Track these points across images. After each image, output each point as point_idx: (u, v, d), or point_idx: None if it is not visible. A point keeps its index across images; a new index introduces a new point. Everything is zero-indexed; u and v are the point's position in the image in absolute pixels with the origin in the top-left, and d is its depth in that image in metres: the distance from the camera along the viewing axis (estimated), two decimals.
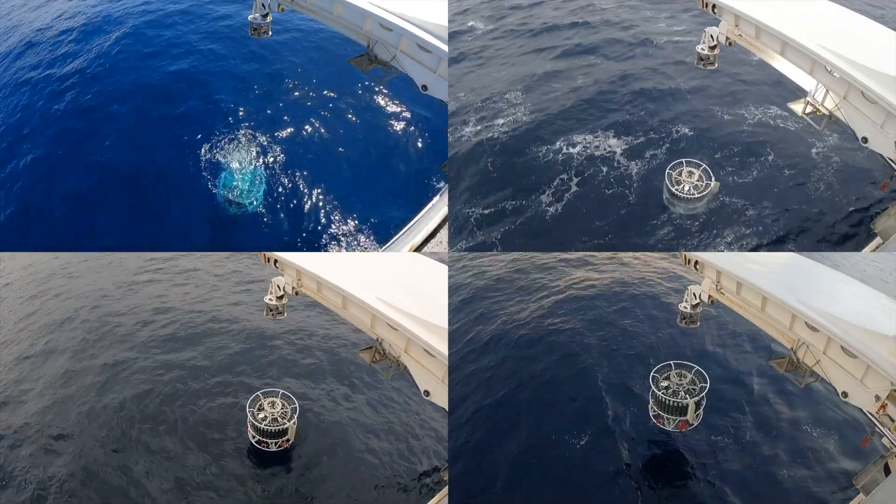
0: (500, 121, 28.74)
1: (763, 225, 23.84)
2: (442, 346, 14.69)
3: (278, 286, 18.11)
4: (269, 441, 21.29)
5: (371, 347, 16.53)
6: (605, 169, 26.17)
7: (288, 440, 21.50)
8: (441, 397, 15.18)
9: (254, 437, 21.49)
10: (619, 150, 26.75)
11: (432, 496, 19.32)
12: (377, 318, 15.75)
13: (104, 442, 22.27)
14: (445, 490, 17.85)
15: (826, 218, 23.59)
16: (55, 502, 20.07)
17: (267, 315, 18.51)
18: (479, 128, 28.54)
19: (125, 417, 23.26)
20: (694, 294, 20.10)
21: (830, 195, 24.19)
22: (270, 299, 18.34)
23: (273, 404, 21.90)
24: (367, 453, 22.49)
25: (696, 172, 22.43)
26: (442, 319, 15.11)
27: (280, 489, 21.04)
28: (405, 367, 15.76)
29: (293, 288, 17.86)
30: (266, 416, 21.49)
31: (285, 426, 21.30)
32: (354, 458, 22.24)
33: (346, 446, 22.69)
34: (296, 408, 21.90)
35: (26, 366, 26.37)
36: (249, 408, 21.68)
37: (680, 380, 21.14)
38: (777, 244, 23.22)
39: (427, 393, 15.27)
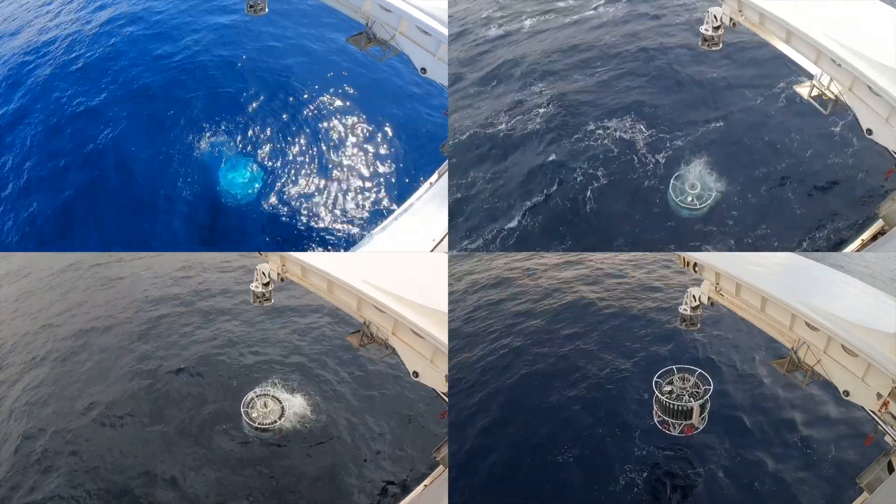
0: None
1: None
2: (433, 329, 14.35)
3: (263, 273, 17.72)
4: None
5: (359, 331, 16.13)
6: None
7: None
8: (431, 378, 14.87)
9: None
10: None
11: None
12: (363, 300, 15.43)
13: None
14: (441, 468, 17.43)
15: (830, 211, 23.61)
16: None
17: (254, 302, 18.16)
18: None
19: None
20: (693, 296, 19.75)
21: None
22: (256, 286, 17.94)
23: (265, 404, 23.70)
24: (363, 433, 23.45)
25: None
26: (441, 304, 14.86)
27: (273, 472, 21.97)
28: (393, 350, 15.41)
29: (278, 274, 17.49)
30: (258, 416, 23.30)
31: (275, 423, 23.17)
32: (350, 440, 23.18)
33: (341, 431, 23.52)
34: (285, 407, 23.69)
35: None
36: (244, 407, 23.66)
37: (683, 383, 20.82)
38: (780, 238, 23.18)
39: (416, 374, 14.98)
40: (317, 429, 23.42)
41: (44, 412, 23.97)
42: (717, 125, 27.26)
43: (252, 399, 23.90)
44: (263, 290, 17.93)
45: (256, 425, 22.91)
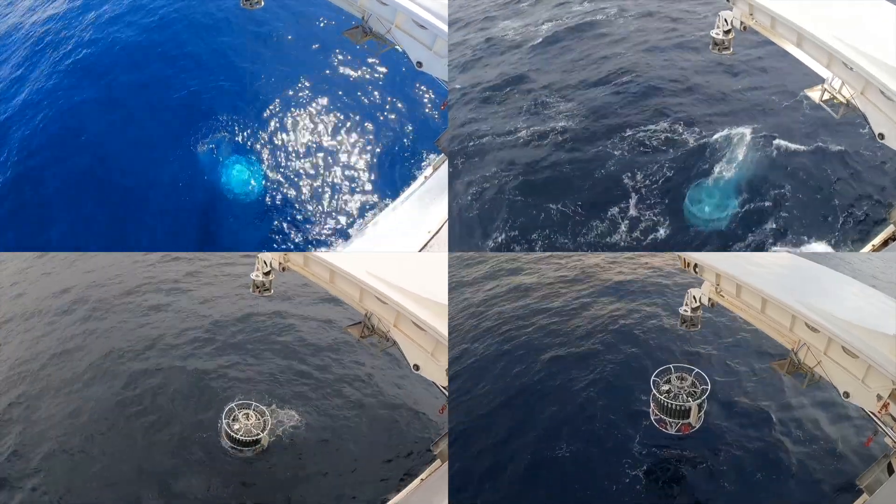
0: None
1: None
2: (434, 321, 14.28)
3: (265, 262, 17.43)
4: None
5: (360, 323, 16.03)
6: None
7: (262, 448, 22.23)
8: (431, 371, 14.76)
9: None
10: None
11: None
12: (365, 291, 15.37)
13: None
14: (438, 462, 17.38)
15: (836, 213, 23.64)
16: None
17: (254, 291, 17.75)
18: None
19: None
20: (694, 297, 19.83)
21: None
22: (257, 275, 17.62)
23: (248, 416, 22.50)
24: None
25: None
26: (441, 296, 14.80)
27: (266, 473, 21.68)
28: (394, 342, 15.32)
29: (280, 263, 17.30)
30: (241, 428, 21.96)
31: (258, 437, 21.94)
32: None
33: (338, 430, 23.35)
34: (268, 419, 22.50)
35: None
36: (225, 418, 22.33)
37: (681, 383, 20.82)
38: (784, 241, 23.16)
39: (417, 367, 14.86)
40: (309, 434, 23.21)
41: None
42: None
43: (233, 410, 22.48)
44: (264, 280, 17.62)
45: (239, 437, 21.63)
